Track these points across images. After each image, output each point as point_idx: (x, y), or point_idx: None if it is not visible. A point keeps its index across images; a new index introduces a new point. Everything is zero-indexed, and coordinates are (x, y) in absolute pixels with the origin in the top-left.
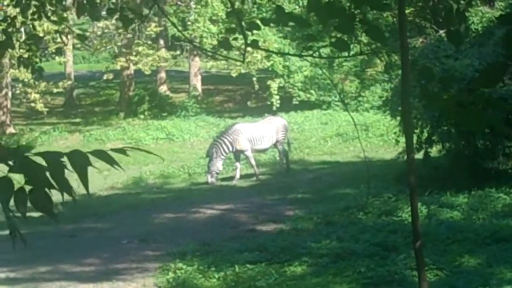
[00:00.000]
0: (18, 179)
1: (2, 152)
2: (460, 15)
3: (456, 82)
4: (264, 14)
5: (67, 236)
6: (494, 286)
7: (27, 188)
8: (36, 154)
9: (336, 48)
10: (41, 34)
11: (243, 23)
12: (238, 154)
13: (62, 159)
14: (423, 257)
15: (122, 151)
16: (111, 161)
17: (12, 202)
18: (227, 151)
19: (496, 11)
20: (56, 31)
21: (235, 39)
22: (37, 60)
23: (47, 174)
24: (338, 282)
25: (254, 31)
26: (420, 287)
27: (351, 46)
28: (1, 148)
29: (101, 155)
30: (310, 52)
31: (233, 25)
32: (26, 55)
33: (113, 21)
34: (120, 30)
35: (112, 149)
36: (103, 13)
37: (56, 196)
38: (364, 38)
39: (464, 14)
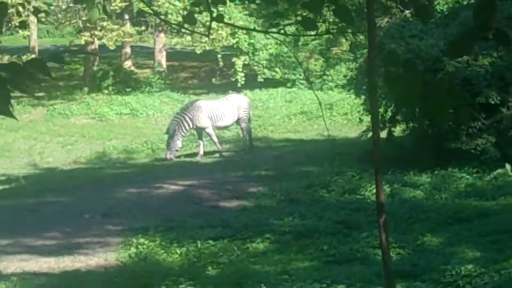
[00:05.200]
0: None
1: None
2: None
3: (421, 62)
4: None
5: (29, 210)
6: (455, 265)
7: None
8: None
9: (303, 27)
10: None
11: None
12: (200, 131)
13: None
14: (387, 233)
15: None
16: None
17: None
18: (187, 127)
19: None
20: (19, 4)
21: (200, 13)
22: None
23: None
24: (300, 260)
25: (219, 8)
26: (384, 262)
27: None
28: None
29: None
30: (276, 29)
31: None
32: None
33: None
34: (84, 5)
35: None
36: None
37: (18, 170)
38: (330, 17)
39: None
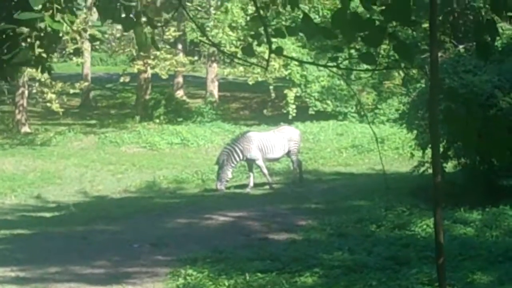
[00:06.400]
0: None
1: None
2: (490, 26)
3: (475, 97)
4: (284, 22)
5: (78, 238)
6: None
7: None
8: None
9: (362, 61)
10: (60, 34)
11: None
12: (250, 163)
13: None
14: (445, 273)
15: None
16: None
17: None
18: (237, 159)
19: None
20: (77, 31)
21: (259, 45)
22: (48, 59)
23: None
24: None
25: (273, 40)
26: None
27: None
28: None
29: None
30: (334, 63)
31: (254, 32)
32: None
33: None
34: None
35: None
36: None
37: (68, 197)
38: (383, 51)
39: (495, 25)
